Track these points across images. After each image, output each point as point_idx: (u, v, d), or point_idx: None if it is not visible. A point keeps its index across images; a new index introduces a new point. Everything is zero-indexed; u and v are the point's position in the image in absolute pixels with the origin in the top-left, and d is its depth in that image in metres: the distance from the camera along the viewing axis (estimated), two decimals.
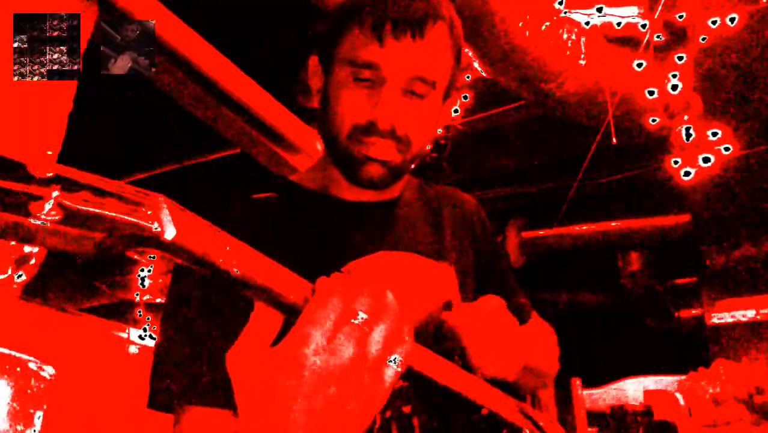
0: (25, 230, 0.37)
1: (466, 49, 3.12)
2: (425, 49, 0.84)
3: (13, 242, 0.38)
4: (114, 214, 0.39)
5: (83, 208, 0.38)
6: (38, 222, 0.37)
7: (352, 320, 0.50)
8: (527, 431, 0.85)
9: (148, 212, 0.41)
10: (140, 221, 0.40)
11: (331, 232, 0.90)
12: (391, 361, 0.52)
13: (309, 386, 0.48)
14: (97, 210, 0.39)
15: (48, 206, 0.37)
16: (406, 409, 0.82)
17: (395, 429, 0.81)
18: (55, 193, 0.37)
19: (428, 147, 4.15)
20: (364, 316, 0.50)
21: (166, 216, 0.42)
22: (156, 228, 0.41)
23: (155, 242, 0.42)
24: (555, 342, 1.15)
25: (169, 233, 0.42)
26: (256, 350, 0.51)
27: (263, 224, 0.86)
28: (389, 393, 0.52)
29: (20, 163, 0.37)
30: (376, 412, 0.51)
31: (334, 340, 0.49)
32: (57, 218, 0.37)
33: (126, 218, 0.40)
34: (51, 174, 0.37)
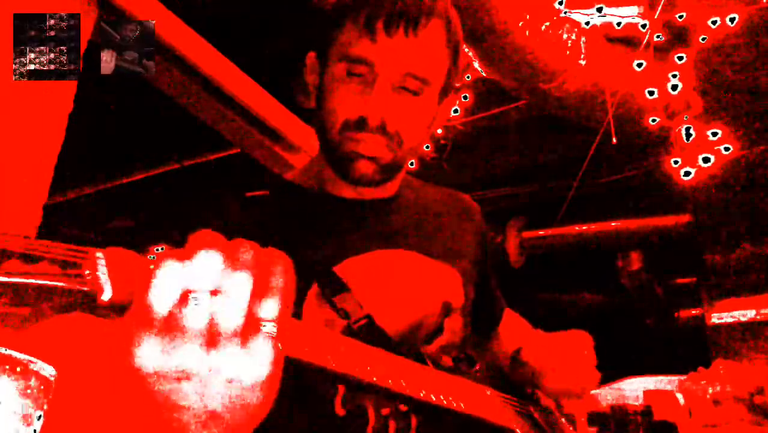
0: None
1: (466, 49, 3.12)
2: (418, 45, 0.84)
3: None
4: (46, 282, 0.37)
5: (11, 281, 0.36)
6: None
7: (192, 303, 0.44)
8: (518, 431, 0.84)
9: (86, 272, 0.39)
10: (75, 286, 0.38)
11: (327, 230, 0.89)
12: (262, 326, 0.46)
13: (150, 389, 0.44)
14: (27, 280, 0.36)
15: None
16: (404, 407, 0.81)
17: (392, 427, 0.80)
18: None
19: (427, 146, 4.15)
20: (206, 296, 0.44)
21: (103, 275, 0.40)
22: (93, 289, 0.39)
23: (91, 306, 0.40)
24: None
25: (106, 294, 0.40)
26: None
27: (258, 223, 0.84)
28: (280, 363, 0.47)
29: None
30: (269, 391, 0.47)
31: (169, 329, 0.44)
32: None
33: (59, 285, 0.38)
34: None
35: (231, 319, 0.45)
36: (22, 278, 0.36)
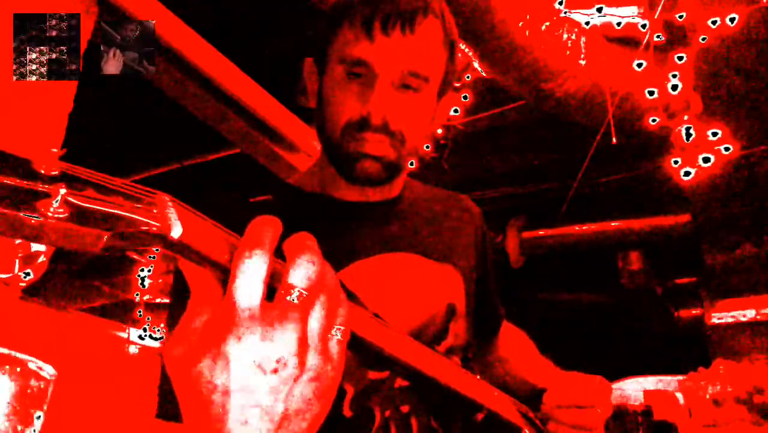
0: (31, 228, 0.36)
1: (466, 49, 3.12)
2: (416, 43, 0.84)
3: (19, 240, 0.37)
4: (121, 212, 0.39)
5: (90, 206, 0.37)
6: (45, 219, 0.36)
7: (288, 297, 0.45)
8: (526, 431, 0.85)
9: (154, 210, 0.41)
10: (147, 219, 0.40)
11: (331, 233, 0.89)
12: (334, 332, 0.48)
13: (240, 380, 0.43)
14: (103, 208, 0.38)
15: (55, 204, 0.36)
16: (405, 408, 0.82)
17: (394, 428, 0.81)
18: (63, 191, 0.36)
19: (427, 146, 4.15)
20: (303, 292, 0.46)
21: (172, 214, 0.42)
22: (162, 226, 0.41)
23: (162, 240, 0.41)
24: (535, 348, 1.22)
25: (176, 232, 0.41)
26: (191, 340, 0.46)
27: None
28: (342, 369, 0.49)
29: (26, 159, 0.36)
30: (332, 396, 0.48)
31: (267, 319, 0.44)
32: (64, 215, 0.36)
33: (133, 216, 0.39)
34: (57, 171, 0.37)
35: (322, 321, 0.47)
36: (100, 205, 0.38)
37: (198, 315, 0.47)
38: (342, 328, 0.49)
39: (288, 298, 0.45)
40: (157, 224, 0.40)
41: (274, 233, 0.48)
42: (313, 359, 0.46)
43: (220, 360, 0.44)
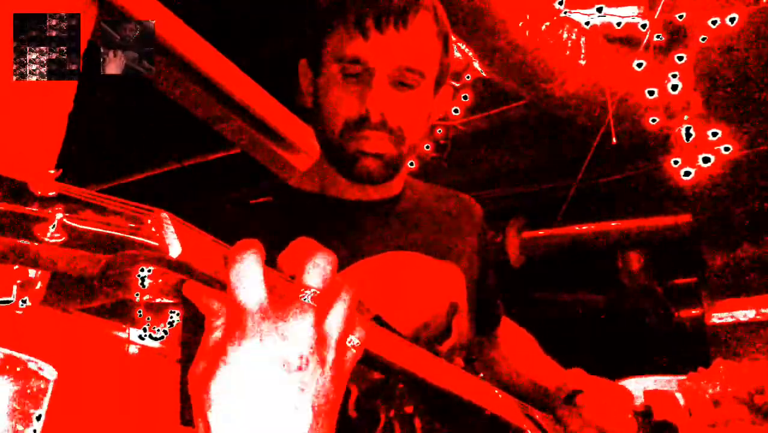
0: (29, 254, 0.35)
1: (466, 49, 3.12)
2: (410, 39, 0.84)
3: (16, 266, 0.37)
4: (119, 233, 0.38)
5: (88, 228, 0.37)
6: (43, 245, 0.35)
7: (302, 297, 0.44)
8: (529, 431, 0.85)
9: (152, 229, 0.40)
10: (145, 240, 0.40)
11: (332, 233, 0.89)
12: (348, 342, 0.47)
13: (266, 380, 0.41)
14: (101, 230, 0.38)
15: (52, 228, 0.35)
16: (408, 409, 0.82)
17: (398, 429, 0.81)
18: (59, 215, 0.36)
19: (427, 146, 4.15)
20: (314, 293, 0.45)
21: (170, 233, 0.41)
22: (161, 246, 0.40)
23: (161, 260, 0.41)
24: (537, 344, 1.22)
25: (174, 251, 0.41)
26: (209, 356, 0.44)
27: (262, 230, 0.85)
28: (348, 376, 0.48)
29: (21, 182, 0.35)
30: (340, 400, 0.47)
31: (279, 316, 0.43)
32: (62, 240, 0.36)
33: (131, 237, 0.39)
34: (53, 193, 0.36)
35: (342, 324, 0.46)
36: (98, 227, 0.38)
37: (213, 332, 0.46)
38: (358, 339, 0.48)
39: (302, 298, 0.44)
40: (156, 244, 0.40)
41: (260, 245, 0.46)
42: (331, 360, 0.45)
43: (240, 364, 0.42)
